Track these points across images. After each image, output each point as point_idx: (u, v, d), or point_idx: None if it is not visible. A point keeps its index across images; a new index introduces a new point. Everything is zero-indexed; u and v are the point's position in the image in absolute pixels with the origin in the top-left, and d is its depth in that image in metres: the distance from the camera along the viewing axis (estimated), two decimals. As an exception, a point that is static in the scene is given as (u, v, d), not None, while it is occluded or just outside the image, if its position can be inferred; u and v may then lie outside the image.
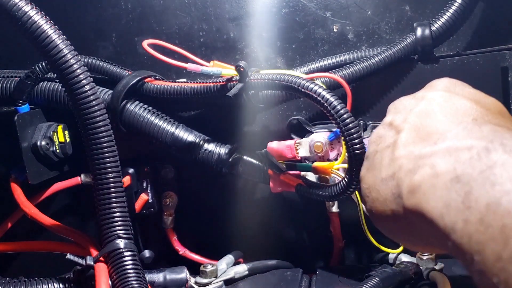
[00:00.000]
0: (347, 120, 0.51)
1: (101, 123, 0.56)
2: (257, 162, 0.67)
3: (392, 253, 0.68)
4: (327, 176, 0.62)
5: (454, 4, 0.66)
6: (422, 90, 0.37)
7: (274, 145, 0.64)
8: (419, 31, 0.66)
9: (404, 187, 0.31)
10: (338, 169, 0.59)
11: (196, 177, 0.77)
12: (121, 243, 0.57)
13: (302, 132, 0.68)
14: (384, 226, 0.36)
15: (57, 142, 0.66)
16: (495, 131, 0.28)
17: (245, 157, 0.67)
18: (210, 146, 0.68)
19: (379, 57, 0.66)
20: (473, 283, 0.25)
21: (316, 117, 0.72)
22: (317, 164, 0.60)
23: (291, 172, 0.64)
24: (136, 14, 0.74)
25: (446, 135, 0.30)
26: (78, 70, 0.55)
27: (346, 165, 0.53)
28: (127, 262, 0.56)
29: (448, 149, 0.29)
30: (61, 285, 0.60)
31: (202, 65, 0.63)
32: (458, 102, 0.33)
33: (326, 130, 0.65)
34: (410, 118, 0.34)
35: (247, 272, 0.68)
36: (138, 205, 0.71)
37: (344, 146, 0.55)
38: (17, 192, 0.67)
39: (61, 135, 0.67)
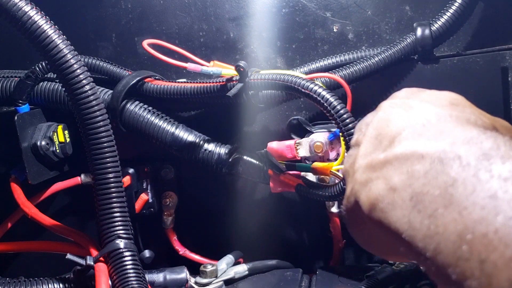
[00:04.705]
0: (347, 120, 0.51)
1: (101, 123, 0.56)
2: (257, 162, 0.67)
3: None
4: (326, 177, 0.62)
5: (454, 4, 0.66)
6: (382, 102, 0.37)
7: (274, 145, 0.64)
8: (419, 31, 0.66)
9: (362, 203, 0.29)
10: (337, 170, 0.59)
11: (196, 177, 0.77)
12: (121, 243, 0.57)
13: (302, 132, 0.68)
14: (357, 239, 0.35)
15: (57, 142, 0.66)
16: (442, 132, 0.27)
17: (245, 157, 0.67)
18: (210, 146, 0.68)
19: (379, 57, 0.66)
20: None
21: (316, 117, 0.72)
22: (316, 164, 0.60)
23: (291, 172, 0.64)
24: (136, 14, 0.74)
25: (395, 139, 0.29)
26: (78, 70, 0.55)
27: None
28: (127, 262, 0.56)
29: (397, 157, 0.28)
30: (61, 285, 0.60)
31: (202, 65, 0.63)
32: (412, 104, 0.32)
33: (326, 130, 0.65)
34: (368, 131, 0.33)
35: (247, 272, 0.68)
36: (138, 205, 0.71)
37: (343, 146, 0.55)
38: (17, 192, 0.67)
39: (61, 135, 0.67)
